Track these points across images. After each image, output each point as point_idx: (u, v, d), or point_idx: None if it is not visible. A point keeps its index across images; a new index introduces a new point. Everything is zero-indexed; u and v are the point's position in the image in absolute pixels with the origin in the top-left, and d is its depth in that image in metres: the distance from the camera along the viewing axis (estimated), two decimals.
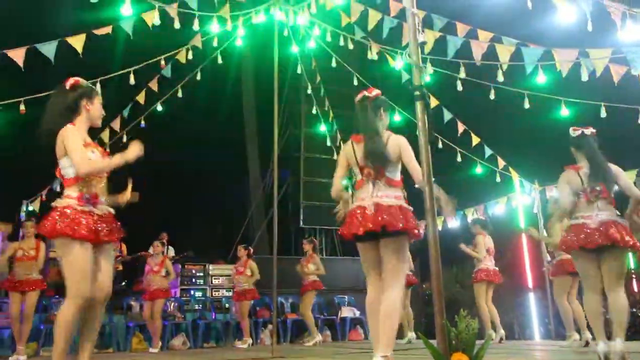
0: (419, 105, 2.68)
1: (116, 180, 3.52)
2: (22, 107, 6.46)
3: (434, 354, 2.39)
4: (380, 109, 3.62)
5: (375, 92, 3.66)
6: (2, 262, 7.02)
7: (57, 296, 9.07)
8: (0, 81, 5.89)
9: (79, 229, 3.11)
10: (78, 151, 3.16)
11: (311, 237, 9.78)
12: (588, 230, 3.88)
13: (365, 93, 3.66)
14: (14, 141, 9.65)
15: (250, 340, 8.65)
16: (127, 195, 3.62)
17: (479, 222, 8.05)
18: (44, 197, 9.16)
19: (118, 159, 3.28)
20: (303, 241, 9.30)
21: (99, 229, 3.20)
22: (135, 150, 3.33)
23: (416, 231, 3.33)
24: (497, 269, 7.69)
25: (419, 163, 2.83)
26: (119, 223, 3.36)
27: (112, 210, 3.37)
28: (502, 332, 7.35)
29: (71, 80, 3.40)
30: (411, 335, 7.98)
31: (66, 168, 3.24)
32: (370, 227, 3.29)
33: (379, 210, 3.32)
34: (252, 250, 9.16)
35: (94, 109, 3.39)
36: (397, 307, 3.28)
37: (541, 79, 6.16)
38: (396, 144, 3.44)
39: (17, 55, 5.91)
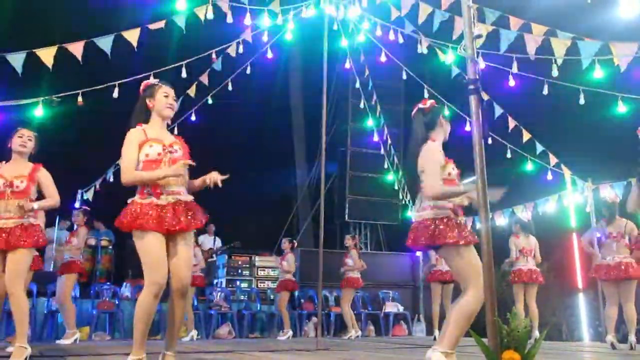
0: (472, 100, 2.64)
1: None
2: (79, 99, 6.67)
3: (485, 351, 2.37)
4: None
5: (429, 103, 3.76)
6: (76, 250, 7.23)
7: (108, 283, 9.36)
8: (60, 74, 6.09)
9: (140, 220, 3.23)
10: (124, 159, 3.34)
11: (353, 234, 9.73)
12: None
13: (419, 106, 3.75)
14: (72, 132, 10.02)
15: (290, 332, 8.74)
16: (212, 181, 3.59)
17: (519, 222, 7.98)
18: (97, 187, 9.45)
19: (158, 173, 3.31)
20: (346, 236, 9.31)
21: (164, 218, 3.25)
22: (178, 169, 3.36)
23: None
24: (535, 268, 7.61)
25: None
26: (192, 212, 3.38)
27: (186, 199, 3.40)
28: (536, 333, 7.22)
29: (142, 84, 3.61)
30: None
31: None
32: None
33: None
34: (295, 243, 9.24)
35: (157, 103, 3.49)
36: (467, 310, 3.29)
37: (598, 74, 5.98)
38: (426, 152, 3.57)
39: (76, 49, 6.10)
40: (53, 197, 4.45)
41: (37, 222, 4.44)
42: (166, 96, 3.51)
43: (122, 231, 3.36)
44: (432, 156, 3.41)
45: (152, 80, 3.66)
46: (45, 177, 4.46)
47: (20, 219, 4.29)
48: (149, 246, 3.22)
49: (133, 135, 3.37)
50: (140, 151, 3.33)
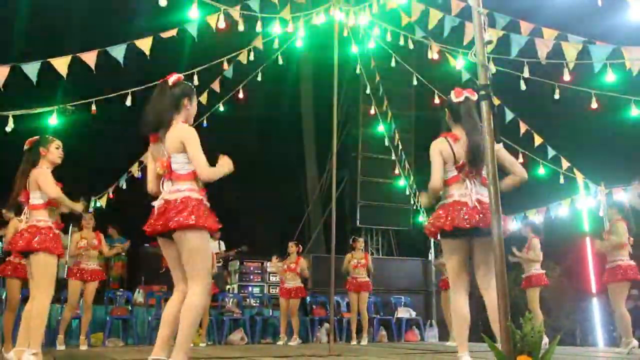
0: (484, 105, 2.66)
1: None
2: (93, 107, 6.75)
3: (498, 356, 2.37)
4: (477, 113, 3.65)
5: (476, 95, 3.68)
6: (73, 252, 7.32)
7: (121, 289, 9.42)
8: (73, 83, 6.17)
9: (210, 220, 3.21)
10: (202, 156, 3.22)
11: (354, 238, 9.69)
12: None
13: (467, 94, 3.68)
14: (85, 140, 10.10)
15: (299, 339, 8.78)
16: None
17: (530, 225, 7.97)
18: (110, 194, 9.53)
19: (220, 172, 3.33)
20: (359, 239, 9.31)
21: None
22: (226, 166, 3.38)
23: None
24: (543, 272, 7.64)
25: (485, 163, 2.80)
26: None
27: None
28: (546, 339, 7.18)
29: (174, 77, 3.39)
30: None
31: (181, 163, 3.27)
32: (474, 223, 3.37)
33: (483, 208, 3.39)
34: (301, 247, 9.24)
35: (192, 109, 3.44)
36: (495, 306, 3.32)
37: (610, 77, 5.96)
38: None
39: (89, 58, 6.17)
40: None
41: None
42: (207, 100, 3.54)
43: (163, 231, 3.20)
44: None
45: (182, 77, 3.48)
46: None
47: None
48: (208, 247, 3.24)
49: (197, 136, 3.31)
50: None
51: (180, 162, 3.27)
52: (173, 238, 3.20)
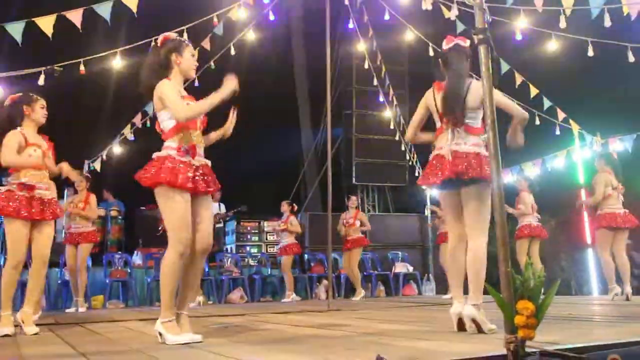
0: (482, 50, 2.57)
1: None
2: (82, 68, 6.62)
3: (499, 303, 2.36)
4: (468, 60, 3.57)
5: (468, 42, 3.58)
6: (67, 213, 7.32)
7: (119, 252, 9.44)
8: (60, 43, 6.02)
9: (179, 178, 3.18)
10: (175, 100, 3.21)
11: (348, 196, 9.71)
12: None
13: (459, 42, 3.58)
14: (75, 102, 9.96)
15: (294, 295, 8.87)
16: (231, 123, 3.68)
17: (528, 180, 8.10)
18: (104, 157, 9.46)
19: (214, 98, 3.29)
20: (352, 198, 9.34)
21: (198, 179, 3.26)
22: (230, 85, 3.34)
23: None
24: (541, 225, 7.82)
25: (483, 110, 2.73)
26: (213, 176, 3.41)
27: (209, 163, 3.42)
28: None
29: (161, 37, 3.44)
30: None
31: (165, 121, 3.31)
32: (446, 175, 3.32)
33: (456, 158, 3.34)
34: (295, 206, 9.25)
35: (184, 62, 3.40)
36: (483, 255, 3.33)
37: (607, 23, 5.85)
38: (479, 88, 3.37)
39: (75, 16, 6.02)
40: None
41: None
42: (193, 56, 3.48)
43: (145, 186, 3.25)
44: None
45: (172, 35, 3.49)
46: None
47: (52, 193, 4.33)
48: (178, 206, 3.20)
49: (171, 85, 3.30)
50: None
51: (164, 120, 3.33)
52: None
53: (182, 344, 3.07)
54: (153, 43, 3.44)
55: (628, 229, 6.59)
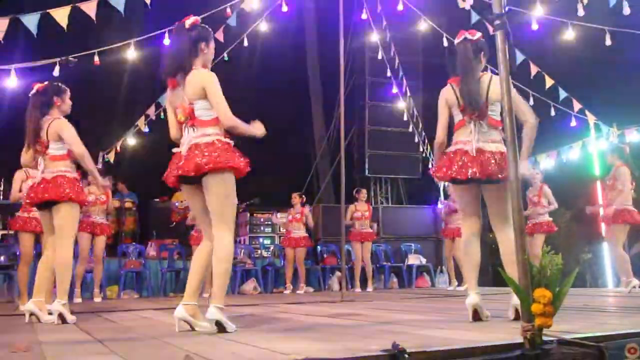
0: (499, 35, 2.54)
1: None
2: (96, 59, 6.64)
3: (515, 290, 2.35)
4: (481, 53, 3.54)
5: (478, 34, 3.53)
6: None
7: (134, 243, 9.51)
8: (75, 35, 6.05)
9: (243, 163, 3.19)
10: (224, 103, 3.16)
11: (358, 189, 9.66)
12: None
13: (467, 35, 3.53)
14: (90, 93, 10.00)
15: (307, 287, 8.89)
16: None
17: (542, 173, 8.05)
18: (118, 148, 9.52)
19: (247, 129, 3.28)
20: (362, 190, 9.31)
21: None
22: (258, 131, 3.35)
23: None
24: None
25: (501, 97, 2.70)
26: None
27: None
28: None
29: (191, 20, 3.29)
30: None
31: (204, 109, 3.20)
32: (476, 175, 3.28)
33: (484, 158, 3.30)
34: (304, 198, 9.25)
35: (210, 53, 3.35)
36: (508, 249, 3.23)
37: (626, 11, 5.76)
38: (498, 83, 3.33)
39: (89, 7, 6.04)
40: None
41: None
42: (215, 48, 3.44)
43: (196, 174, 3.10)
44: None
45: (199, 20, 3.35)
46: None
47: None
48: (234, 193, 3.20)
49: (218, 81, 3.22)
50: None
51: (202, 109, 3.21)
52: (201, 183, 3.17)
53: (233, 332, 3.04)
54: (179, 24, 3.33)
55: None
